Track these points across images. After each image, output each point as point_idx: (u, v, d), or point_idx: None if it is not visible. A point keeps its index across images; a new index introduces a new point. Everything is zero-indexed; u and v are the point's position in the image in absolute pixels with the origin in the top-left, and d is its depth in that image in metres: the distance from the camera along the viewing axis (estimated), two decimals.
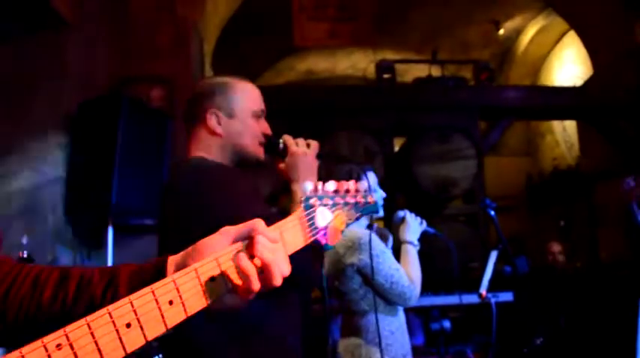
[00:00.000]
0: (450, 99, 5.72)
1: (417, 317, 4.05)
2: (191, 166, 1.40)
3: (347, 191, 0.97)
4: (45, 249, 2.96)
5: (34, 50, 3.22)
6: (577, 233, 7.34)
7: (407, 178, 5.37)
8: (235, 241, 0.76)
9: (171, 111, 3.85)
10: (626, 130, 5.84)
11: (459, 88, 5.93)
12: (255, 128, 1.47)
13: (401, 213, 2.26)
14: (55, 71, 3.23)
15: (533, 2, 7.26)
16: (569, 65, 7.89)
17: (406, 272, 2.03)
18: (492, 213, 2.95)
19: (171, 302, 0.66)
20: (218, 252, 0.72)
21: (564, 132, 8.12)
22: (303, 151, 1.44)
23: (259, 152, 1.47)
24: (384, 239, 2.18)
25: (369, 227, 2.14)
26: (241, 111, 1.46)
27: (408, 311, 2.33)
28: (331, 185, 0.94)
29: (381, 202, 2.15)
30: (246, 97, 1.47)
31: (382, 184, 2.27)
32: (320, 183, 0.93)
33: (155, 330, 0.65)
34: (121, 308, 0.63)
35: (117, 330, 0.61)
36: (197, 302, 0.69)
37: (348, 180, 2.12)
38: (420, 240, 2.22)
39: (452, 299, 3.52)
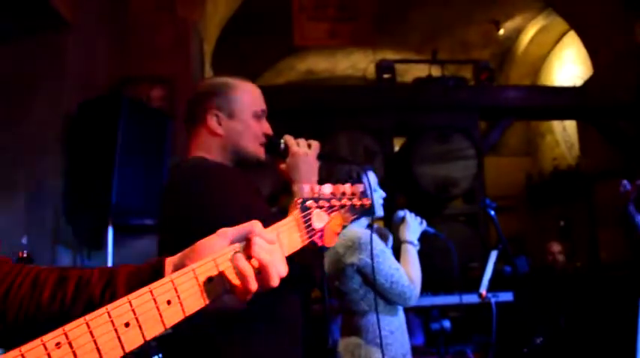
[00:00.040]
0: (450, 99, 5.72)
1: (417, 317, 4.05)
2: (191, 166, 1.40)
3: (343, 193, 0.99)
4: (45, 249, 2.96)
5: (34, 50, 3.22)
6: (577, 233, 7.35)
7: (407, 178, 5.38)
8: (233, 242, 0.77)
9: (171, 111, 3.85)
10: (626, 130, 5.84)
11: (459, 88, 5.93)
12: (256, 128, 1.46)
13: (401, 213, 2.26)
14: (55, 71, 3.23)
15: (533, 2, 7.26)
16: (569, 65, 7.89)
17: (406, 272, 2.03)
18: (492, 212, 2.95)
19: (169, 302, 0.67)
20: (216, 253, 0.73)
21: (564, 132, 8.12)
22: (305, 152, 1.44)
23: (260, 152, 1.47)
24: (383, 238, 2.19)
25: (370, 226, 2.14)
26: (242, 111, 1.45)
27: (408, 311, 2.33)
28: (327, 187, 0.96)
29: (380, 202, 2.15)
30: (246, 98, 1.47)
31: (382, 184, 2.27)
32: (317, 186, 0.95)
33: (153, 330, 0.65)
34: (119, 308, 0.63)
35: (115, 330, 0.62)
36: (195, 302, 0.69)
37: (348, 180, 2.13)
38: (420, 240, 2.22)
39: (452, 299, 3.52)
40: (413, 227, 2.22)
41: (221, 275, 0.72)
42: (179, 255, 0.78)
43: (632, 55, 5.63)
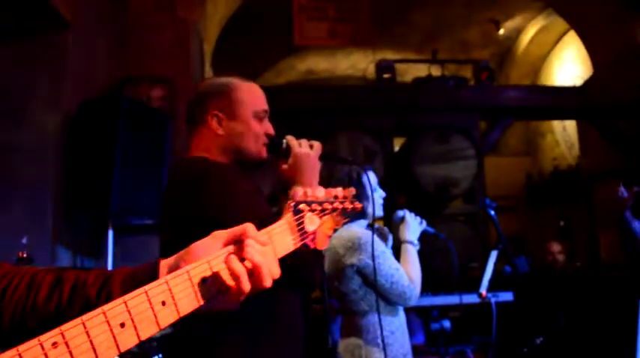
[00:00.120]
0: (450, 99, 5.72)
1: (417, 317, 4.05)
2: (192, 166, 1.40)
3: (335, 197, 1.02)
4: (45, 249, 2.96)
5: (34, 50, 3.22)
6: (577, 233, 7.35)
7: (407, 178, 5.38)
8: (226, 245, 0.78)
9: (171, 111, 3.85)
10: (626, 130, 5.84)
11: (459, 88, 5.93)
12: (257, 129, 1.46)
13: (400, 213, 2.27)
14: (55, 71, 3.23)
15: (533, 2, 7.26)
16: (569, 65, 7.89)
17: (406, 272, 2.03)
18: (492, 212, 2.95)
19: (164, 303, 0.68)
20: (210, 255, 0.75)
21: (564, 132, 8.12)
22: (306, 152, 1.43)
23: (262, 152, 1.46)
24: (383, 238, 2.19)
25: (370, 227, 2.14)
26: (242, 112, 1.45)
27: (408, 310, 2.33)
28: (320, 191, 0.99)
29: (380, 202, 2.15)
30: (247, 98, 1.47)
31: (382, 184, 2.27)
32: (309, 189, 0.97)
33: (148, 330, 0.66)
34: (115, 308, 0.64)
35: (111, 330, 0.63)
36: (189, 303, 0.71)
37: (348, 180, 2.13)
38: (420, 240, 2.22)
39: (452, 299, 3.53)
40: (413, 227, 2.22)
41: (215, 276, 0.73)
42: (174, 257, 0.80)
43: (632, 55, 5.63)
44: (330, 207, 0.98)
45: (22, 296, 0.80)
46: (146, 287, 0.68)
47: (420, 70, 6.58)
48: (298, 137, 1.48)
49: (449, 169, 5.34)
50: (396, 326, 2.05)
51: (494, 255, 3.63)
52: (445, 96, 5.74)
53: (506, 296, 3.58)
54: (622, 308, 3.27)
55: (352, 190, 1.05)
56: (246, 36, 6.95)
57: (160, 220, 1.46)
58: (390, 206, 4.16)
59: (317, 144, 1.46)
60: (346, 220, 1.02)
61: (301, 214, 0.92)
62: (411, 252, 2.13)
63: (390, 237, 2.26)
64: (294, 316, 1.43)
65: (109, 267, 3.12)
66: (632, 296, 3.02)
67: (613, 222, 3.79)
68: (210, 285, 0.73)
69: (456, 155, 5.40)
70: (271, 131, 1.49)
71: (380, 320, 1.92)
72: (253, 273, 0.76)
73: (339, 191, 1.02)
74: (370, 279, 1.97)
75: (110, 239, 3.11)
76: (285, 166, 1.44)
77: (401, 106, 5.67)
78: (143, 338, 0.65)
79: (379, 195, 2.14)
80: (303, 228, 0.91)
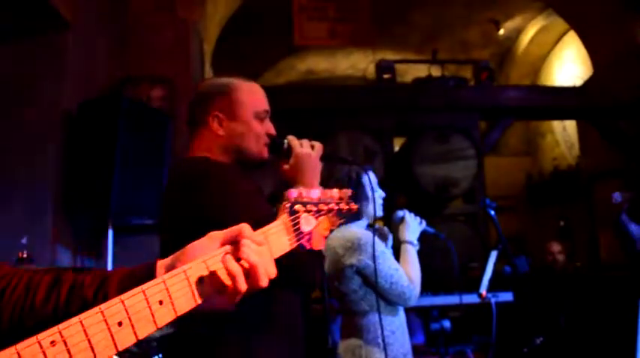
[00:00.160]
0: (450, 99, 5.72)
1: (417, 317, 4.05)
2: (192, 166, 1.40)
3: (331, 198, 1.03)
4: (45, 249, 2.96)
5: (34, 50, 3.22)
6: (577, 233, 7.35)
7: (407, 178, 5.38)
8: (223, 245, 0.79)
9: (171, 111, 3.85)
10: (626, 130, 5.84)
11: (459, 88, 5.93)
12: (258, 129, 1.45)
13: (400, 213, 2.26)
14: (55, 71, 3.23)
15: (533, 2, 7.26)
16: (569, 65, 7.89)
17: (406, 272, 2.03)
18: (492, 212, 2.95)
19: (161, 302, 0.69)
20: (206, 255, 0.76)
21: (564, 132, 8.12)
22: (308, 153, 1.43)
23: (263, 153, 1.46)
24: (383, 238, 2.18)
25: (370, 227, 2.14)
26: (243, 112, 1.45)
27: (408, 310, 2.33)
28: (316, 192, 1.00)
29: (380, 202, 2.15)
30: (248, 98, 1.46)
31: (382, 184, 2.27)
32: (305, 190, 0.98)
33: (145, 329, 0.66)
34: (112, 308, 0.64)
35: (109, 328, 0.63)
36: (186, 302, 0.71)
37: (347, 180, 2.12)
38: (420, 240, 2.22)
39: (452, 299, 3.52)
40: (412, 227, 2.22)
41: (212, 275, 0.74)
42: (170, 257, 0.80)
43: (632, 55, 5.63)
44: (325, 207, 0.99)
45: (20, 296, 0.80)
46: (143, 286, 0.68)
47: (420, 70, 6.57)
48: (298, 137, 1.48)
49: (449, 169, 5.34)
50: (396, 326, 2.05)
51: (494, 255, 3.63)
52: (445, 97, 5.74)
53: (506, 297, 3.57)
54: (622, 308, 3.27)
55: (348, 191, 1.06)
56: (246, 36, 6.95)
57: (160, 220, 1.46)
58: (390, 206, 4.15)
59: (318, 145, 1.46)
60: (342, 221, 1.03)
61: (297, 215, 0.92)
62: (411, 252, 2.13)
63: (390, 237, 2.26)
64: (293, 316, 1.43)
65: (109, 267, 3.13)
66: (632, 296, 3.02)
67: (612, 222, 3.81)
68: (207, 285, 0.74)
69: (456, 155, 5.40)
70: (272, 131, 1.48)
71: (380, 320, 1.92)
72: (249, 273, 0.76)
73: (334, 192, 1.03)
74: (370, 280, 1.97)
75: (110, 239, 3.11)
76: (286, 166, 1.44)
77: (401, 106, 5.66)
78: (141, 337, 0.66)
79: (379, 195, 2.14)
80: (298, 229, 0.92)
